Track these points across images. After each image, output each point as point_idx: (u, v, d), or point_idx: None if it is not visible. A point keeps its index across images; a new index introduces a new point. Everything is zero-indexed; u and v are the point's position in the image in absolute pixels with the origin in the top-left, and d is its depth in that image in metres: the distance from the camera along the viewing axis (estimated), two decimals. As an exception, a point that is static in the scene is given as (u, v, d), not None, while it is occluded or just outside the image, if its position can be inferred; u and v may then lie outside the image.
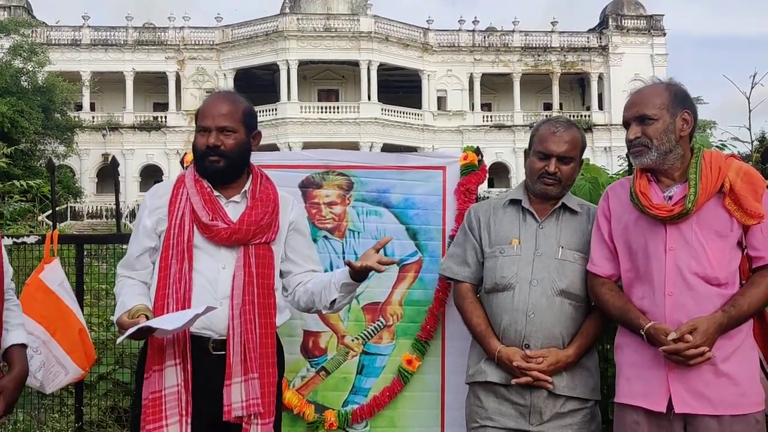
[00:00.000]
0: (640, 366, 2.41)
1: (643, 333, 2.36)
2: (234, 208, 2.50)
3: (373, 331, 3.14)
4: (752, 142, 3.59)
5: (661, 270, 2.37)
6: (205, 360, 2.41)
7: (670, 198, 2.39)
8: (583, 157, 2.82)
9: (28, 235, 3.48)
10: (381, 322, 3.14)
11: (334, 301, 2.55)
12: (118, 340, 2.40)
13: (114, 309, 2.52)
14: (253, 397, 2.39)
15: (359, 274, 2.49)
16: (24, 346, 2.40)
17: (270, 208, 2.51)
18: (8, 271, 2.47)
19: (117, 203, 3.64)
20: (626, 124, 2.44)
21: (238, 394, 2.38)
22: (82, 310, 3.33)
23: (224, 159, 2.46)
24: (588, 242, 2.62)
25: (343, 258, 3.14)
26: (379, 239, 3.12)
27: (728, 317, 2.30)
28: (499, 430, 2.59)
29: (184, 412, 2.35)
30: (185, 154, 3.22)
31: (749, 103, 3.36)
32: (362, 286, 3.09)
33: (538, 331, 2.56)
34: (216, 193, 2.50)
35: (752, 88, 3.34)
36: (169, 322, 2.28)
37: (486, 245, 2.70)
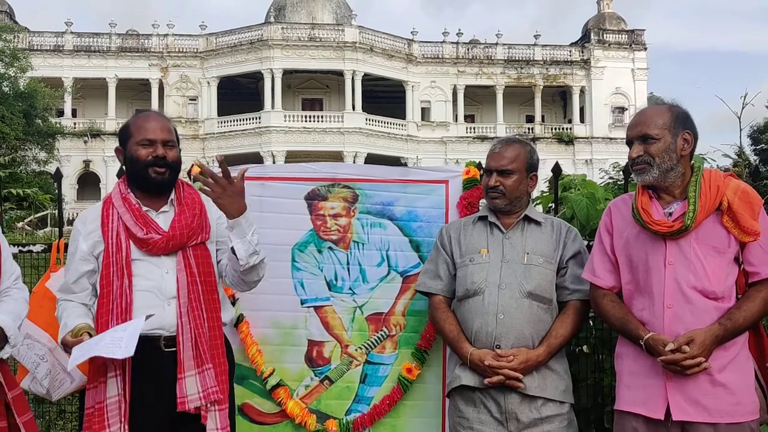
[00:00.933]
0: (640, 375, 2.50)
1: (642, 343, 2.45)
2: (165, 217, 2.63)
3: (376, 340, 3.21)
4: (742, 162, 3.72)
5: (660, 283, 2.46)
6: (158, 358, 2.52)
7: (670, 214, 2.49)
8: (571, 171, 2.97)
9: (34, 244, 3.51)
10: (384, 332, 3.21)
11: (234, 250, 2.55)
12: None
13: None
14: (211, 385, 2.53)
15: (230, 213, 2.53)
16: None
17: (197, 210, 2.65)
18: (11, 272, 2.61)
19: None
20: (629, 143, 2.54)
21: (193, 386, 2.51)
22: (87, 319, 3.34)
23: (169, 170, 2.62)
24: (552, 250, 2.80)
25: (348, 269, 3.21)
26: (383, 251, 3.22)
27: (724, 329, 2.39)
28: None
29: (123, 419, 2.47)
30: (192, 166, 3.27)
31: (740, 122, 3.49)
32: (366, 297, 3.19)
33: (508, 331, 2.68)
34: (145, 208, 2.62)
35: (743, 108, 3.47)
36: (113, 339, 2.36)
37: (457, 257, 2.86)
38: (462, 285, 2.81)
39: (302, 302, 3.20)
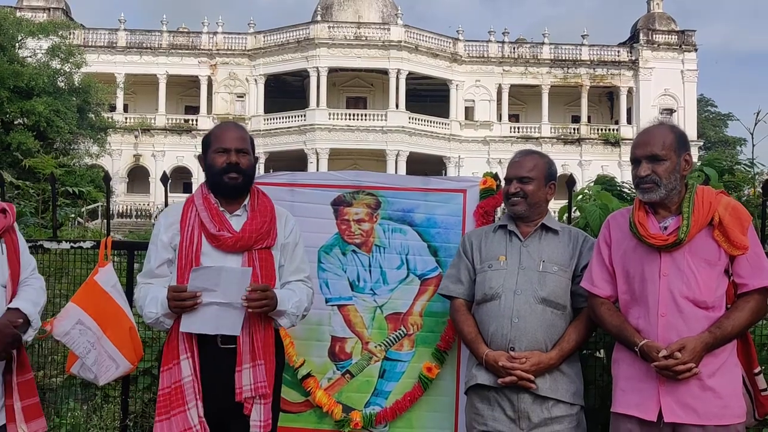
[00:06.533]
0: (634, 379, 2.67)
1: (637, 349, 2.62)
2: (237, 220, 2.87)
3: (394, 338, 3.43)
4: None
5: (655, 293, 2.63)
6: (215, 353, 2.76)
7: (665, 228, 2.65)
8: (611, 173, 3.14)
9: (84, 241, 3.82)
10: (402, 331, 3.43)
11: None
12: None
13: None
14: (261, 380, 2.74)
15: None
16: (17, 310, 2.73)
17: (267, 218, 2.88)
18: (29, 263, 2.86)
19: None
20: (636, 161, 2.70)
21: (247, 378, 2.73)
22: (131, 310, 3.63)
23: (242, 176, 2.85)
24: (568, 258, 2.96)
25: (370, 271, 3.44)
26: (402, 255, 3.44)
27: (714, 337, 2.55)
28: None
29: (198, 397, 2.71)
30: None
31: (752, 138, 3.59)
32: (386, 297, 3.42)
33: (522, 335, 2.86)
34: (221, 208, 2.86)
35: (756, 124, 3.57)
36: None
37: (477, 263, 3.05)
38: (480, 290, 2.99)
39: (327, 301, 3.45)
